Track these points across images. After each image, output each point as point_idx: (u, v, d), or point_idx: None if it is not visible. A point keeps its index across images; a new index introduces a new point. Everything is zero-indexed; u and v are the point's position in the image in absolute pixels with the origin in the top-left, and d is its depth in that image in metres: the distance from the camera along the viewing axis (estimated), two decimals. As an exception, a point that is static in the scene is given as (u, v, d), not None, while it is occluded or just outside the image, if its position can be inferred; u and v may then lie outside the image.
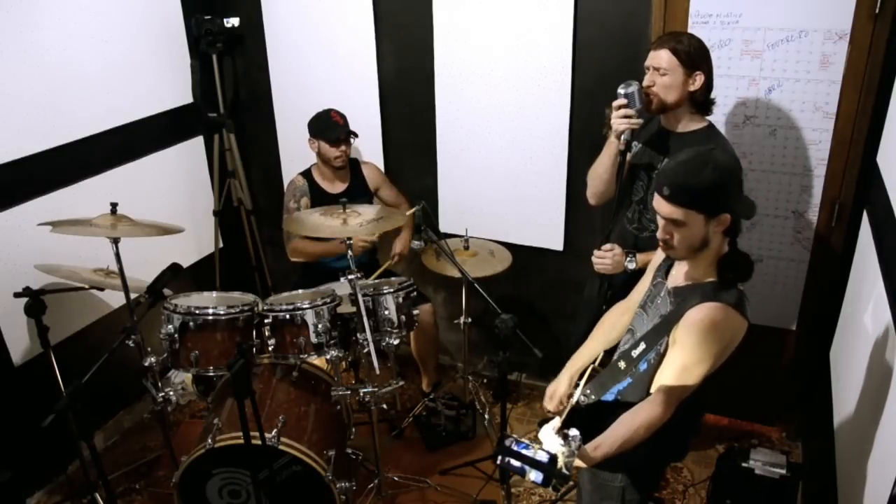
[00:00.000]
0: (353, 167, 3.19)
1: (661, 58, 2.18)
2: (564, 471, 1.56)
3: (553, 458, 1.57)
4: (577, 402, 1.85)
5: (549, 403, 2.01)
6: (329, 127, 3.03)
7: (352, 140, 3.08)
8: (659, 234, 1.71)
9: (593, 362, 1.98)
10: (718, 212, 1.61)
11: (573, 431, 1.62)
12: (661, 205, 1.65)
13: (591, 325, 2.16)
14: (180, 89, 3.41)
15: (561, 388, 2.00)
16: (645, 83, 2.21)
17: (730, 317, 1.64)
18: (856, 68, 2.47)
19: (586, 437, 1.67)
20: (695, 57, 2.16)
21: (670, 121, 2.28)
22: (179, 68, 3.39)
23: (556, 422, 1.74)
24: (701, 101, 2.21)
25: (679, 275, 1.79)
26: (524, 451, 1.59)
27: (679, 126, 2.27)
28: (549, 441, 1.65)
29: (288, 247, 3.17)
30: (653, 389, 1.72)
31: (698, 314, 1.64)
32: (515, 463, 1.60)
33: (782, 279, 2.87)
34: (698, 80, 2.17)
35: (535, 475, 1.57)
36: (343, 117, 3.07)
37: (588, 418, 1.81)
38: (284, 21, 3.34)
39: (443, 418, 3.15)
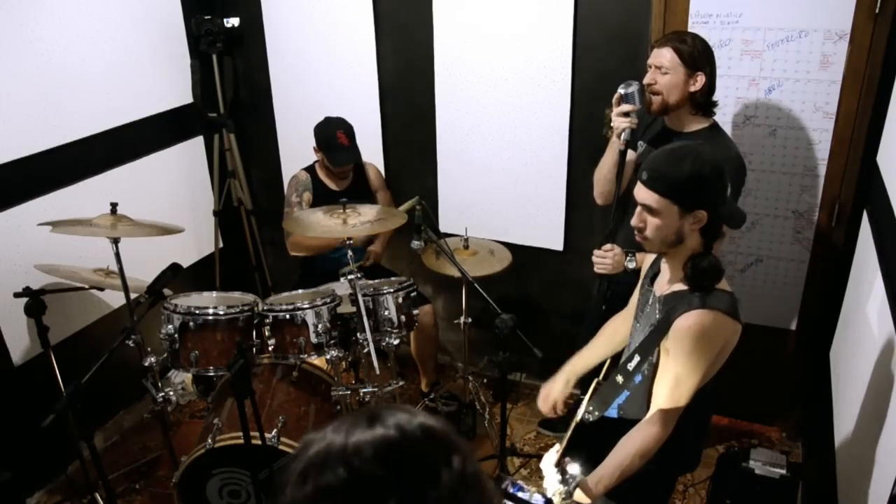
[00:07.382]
0: (356, 166, 3.15)
1: (663, 56, 2.18)
2: None
3: (549, 502, 1.57)
4: (582, 419, 1.80)
5: (543, 405, 1.97)
6: (334, 148, 2.95)
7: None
8: (633, 221, 1.64)
9: (597, 376, 1.90)
10: (694, 207, 1.54)
11: (572, 469, 1.60)
12: (638, 189, 1.60)
13: (592, 326, 2.16)
14: (180, 89, 3.41)
15: (555, 391, 1.95)
16: (646, 81, 2.21)
17: (720, 322, 1.57)
18: (856, 68, 2.47)
19: (595, 454, 1.65)
20: (697, 57, 2.15)
21: (673, 121, 2.28)
22: (179, 68, 3.39)
23: (556, 449, 1.70)
24: (701, 102, 2.21)
25: (663, 281, 1.72)
26: (519, 494, 1.59)
27: (682, 126, 2.26)
28: (548, 477, 1.62)
29: (287, 242, 3.15)
30: (651, 404, 1.68)
31: (686, 321, 1.56)
32: None
33: (782, 279, 2.87)
34: (699, 80, 2.16)
35: None
36: (349, 135, 2.96)
37: (593, 435, 1.77)
38: (284, 21, 3.34)
39: (443, 418, 3.14)
